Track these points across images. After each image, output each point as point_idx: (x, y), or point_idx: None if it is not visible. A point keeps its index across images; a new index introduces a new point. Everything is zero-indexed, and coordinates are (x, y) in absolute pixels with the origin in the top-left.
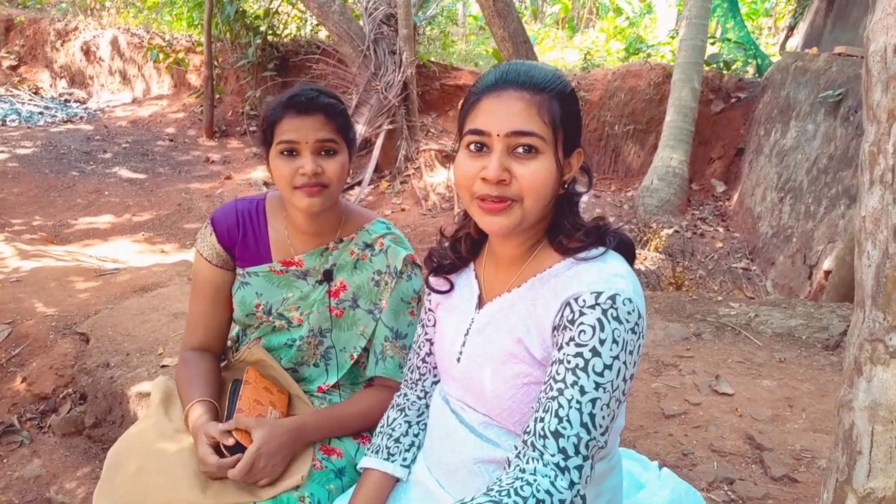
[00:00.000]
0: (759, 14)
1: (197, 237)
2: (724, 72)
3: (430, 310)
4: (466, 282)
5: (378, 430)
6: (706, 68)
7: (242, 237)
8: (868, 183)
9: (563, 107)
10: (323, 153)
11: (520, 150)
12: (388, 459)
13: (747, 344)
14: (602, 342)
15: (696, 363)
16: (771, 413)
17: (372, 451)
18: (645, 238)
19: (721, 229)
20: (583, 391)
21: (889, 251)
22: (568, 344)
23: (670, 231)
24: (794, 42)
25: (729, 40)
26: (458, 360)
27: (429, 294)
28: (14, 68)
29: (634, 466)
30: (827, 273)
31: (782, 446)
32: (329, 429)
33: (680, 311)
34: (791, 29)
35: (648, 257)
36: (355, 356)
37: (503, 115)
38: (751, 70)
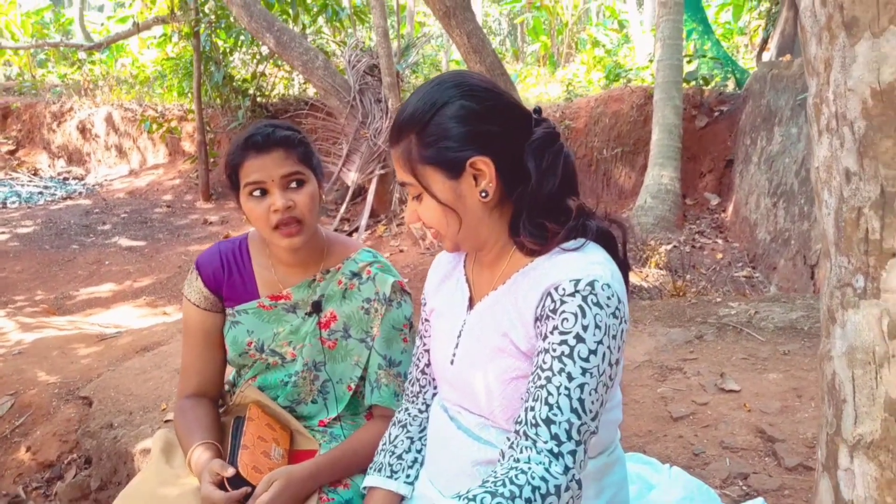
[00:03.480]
0: (734, 33)
1: (184, 284)
2: (704, 88)
3: (426, 319)
4: (457, 285)
5: (380, 447)
6: (686, 86)
7: (228, 277)
8: (817, 134)
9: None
10: (292, 185)
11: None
12: (391, 477)
13: (750, 340)
14: (585, 328)
15: (701, 364)
16: (780, 405)
17: (374, 470)
18: (644, 256)
19: (720, 240)
20: (570, 377)
21: (844, 195)
22: (552, 333)
23: (669, 247)
24: (769, 56)
25: (705, 56)
26: (452, 362)
27: (424, 304)
28: (12, 152)
29: (644, 469)
30: None
31: (794, 436)
32: (340, 472)
33: (680, 316)
34: (765, 42)
35: (650, 274)
36: (353, 386)
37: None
38: (730, 85)
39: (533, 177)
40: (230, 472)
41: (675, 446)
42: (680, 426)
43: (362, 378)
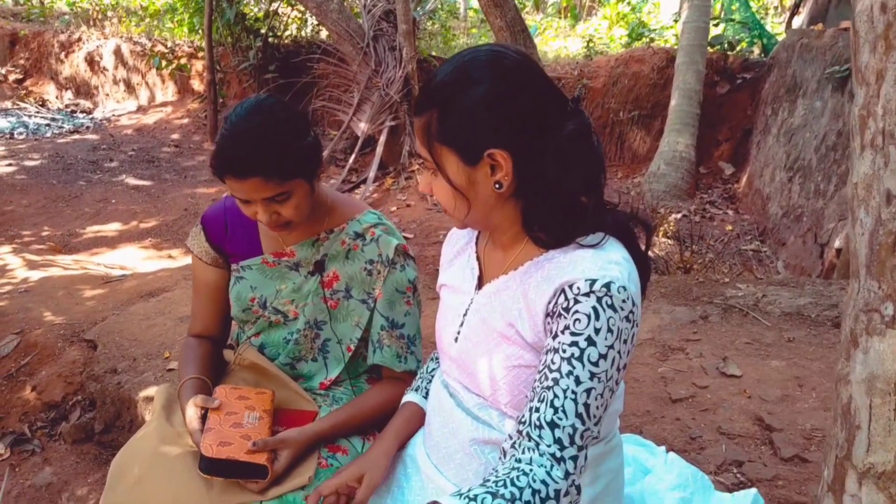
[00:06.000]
0: None
1: (189, 235)
2: (729, 53)
3: (437, 292)
4: (468, 263)
5: (418, 375)
6: (710, 50)
7: (232, 234)
8: (859, 148)
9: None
10: (277, 199)
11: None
12: (426, 397)
13: (755, 325)
14: (597, 331)
15: (704, 346)
16: (780, 393)
17: (412, 390)
18: (653, 223)
19: (730, 212)
20: (578, 381)
21: (882, 217)
22: (563, 332)
23: (679, 216)
24: (800, 21)
25: (733, 20)
26: (456, 339)
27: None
28: (20, 82)
29: (641, 452)
30: (838, 251)
31: (792, 426)
32: (345, 431)
33: (686, 295)
34: (797, 7)
35: (657, 243)
36: (352, 347)
37: None
38: (756, 50)
39: (553, 174)
40: (215, 404)
41: (673, 429)
42: (678, 408)
43: (362, 340)
